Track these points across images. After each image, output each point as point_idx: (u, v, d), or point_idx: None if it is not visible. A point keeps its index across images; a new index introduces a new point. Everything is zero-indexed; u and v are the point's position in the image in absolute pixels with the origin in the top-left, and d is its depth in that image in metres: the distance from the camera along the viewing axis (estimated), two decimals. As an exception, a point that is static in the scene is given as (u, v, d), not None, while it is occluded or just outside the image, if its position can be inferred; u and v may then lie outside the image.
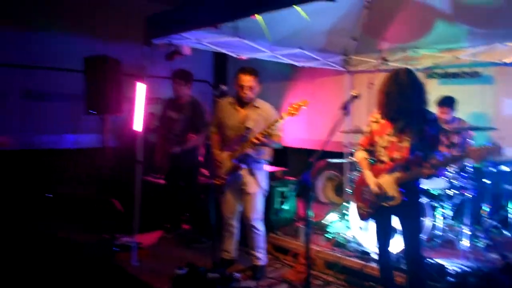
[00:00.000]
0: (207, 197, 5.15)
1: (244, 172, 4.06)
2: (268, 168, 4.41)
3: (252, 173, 4.08)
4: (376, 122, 3.29)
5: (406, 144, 3.08)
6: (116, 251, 4.46)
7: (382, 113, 3.23)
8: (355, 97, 2.97)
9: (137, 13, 4.74)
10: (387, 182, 3.13)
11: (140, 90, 4.42)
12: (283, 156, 7.40)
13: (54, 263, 4.18)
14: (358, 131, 5.01)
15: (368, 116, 3.41)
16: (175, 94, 5.14)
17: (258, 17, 3.83)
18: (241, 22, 3.96)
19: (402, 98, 3.04)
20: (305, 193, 2.99)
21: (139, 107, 4.38)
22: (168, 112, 5.18)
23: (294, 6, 3.45)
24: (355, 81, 6.45)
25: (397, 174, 3.09)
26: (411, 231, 3.16)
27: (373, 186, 3.18)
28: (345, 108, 2.89)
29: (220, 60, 8.43)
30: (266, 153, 4.17)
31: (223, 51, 5.05)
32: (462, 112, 5.36)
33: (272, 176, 5.02)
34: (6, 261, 4.29)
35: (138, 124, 4.38)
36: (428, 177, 3.03)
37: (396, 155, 3.12)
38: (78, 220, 5.08)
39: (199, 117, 5.07)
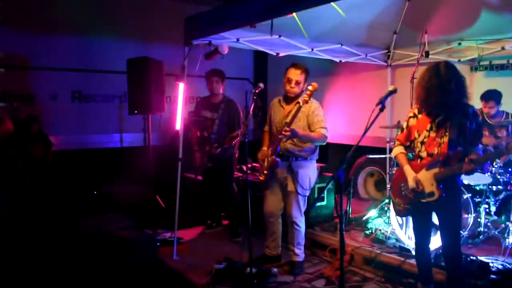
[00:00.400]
0: (244, 192, 5.24)
1: (286, 169, 4.07)
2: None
3: (293, 170, 4.06)
4: (414, 117, 3.24)
5: (445, 139, 3.02)
6: (158, 245, 4.62)
7: (421, 107, 3.18)
8: (392, 92, 2.93)
9: (177, 15, 4.85)
10: (426, 178, 3.07)
11: (181, 89, 4.54)
12: (324, 152, 7.38)
13: (100, 258, 4.38)
14: (399, 126, 4.93)
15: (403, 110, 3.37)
16: (210, 92, 5.21)
17: (294, 15, 3.86)
18: (279, 20, 3.96)
19: (441, 92, 2.97)
20: (340, 189, 2.97)
21: (180, 106, 4.50)
22: (202, 111, 5.24)
23: (332, 3, 3.45)
24: (397, 75, 6.34)
25: (435, 170, 3.03)
26: (450, 228, 3.10)
27: (411, 182, 3.14)
28: (381, 103, 2.86)
29: (261, 59, 8.51)
30: (310, 151, 4.11)
31: (262, 49, 5.08)
32: (509, 104, 5.15)
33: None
34: (54, 255, 4.54)
35: (178, 122, 4.50)
36: (468, 172, 2.94)
37: (435, 150, 3.06)
38: (124, 216, 5.28)
39: (234, 116, 5.13)
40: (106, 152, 6.80)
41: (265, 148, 4.19)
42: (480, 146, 4.31)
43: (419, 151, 3.18)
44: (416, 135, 3.19)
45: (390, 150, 5.45)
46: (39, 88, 6.44)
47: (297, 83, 3.99)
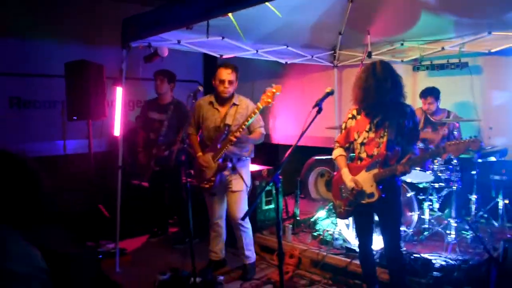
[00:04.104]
0: (195, 198, 5.11)
1: (228, 170, 4.01)
2: (254, 166, 4.35)
3: (236, 171, 4.03)
4: (352, 118, 3.23)
5: (384, 139, 3.02)
6: (100, 258, 4.41)
7: (359, 108, 3.17)
8: (329, 93, 2.89)
9: (119, 16, 4.68)
10: (365, 179, 3.06)
11: (119, 94, 4.36)
12: (274, 153, 7.36)
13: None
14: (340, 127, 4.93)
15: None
16: (158, 94, 5.07)
17: (230, 16, 3.77)
18: (222, 21, 3.91)
19: (379, 92, 2.96)
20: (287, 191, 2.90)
21: (118, 111, 4.32)
22: (149, 113, 5.09)
23: (268, 4, 3.39)
24: (343, 76, 6.40)
25: (375, 171, 3.03)
26: (391, 228, 3.10)
27: (349, 184, 3.11)
28: (318, 105, 2.81)
29: (211, 61, 8.38)
30: (249, 150, 4.11)
31: (204, 51, 4.99)
32: (451, 103, 5.30)
33: (258, 175, 4.97)
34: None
35: (117, 128, 4.32)
36: (402, 174, 2.96)
37: (375, 151, 3.05)
38: (64, 227, 5.02)
39: (183, 118, 4.99)
40: (48, 160, 6.47)
41: (200, 153, 4.06)
42: (421, 144, 4.42)
43: (359, 152, 3.16)
44: (356, 136, 3.18)
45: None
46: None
47: (230, 82, 3.93)
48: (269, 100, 3.73)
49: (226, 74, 3.91)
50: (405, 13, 4.57)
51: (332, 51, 5.98)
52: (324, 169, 6.69)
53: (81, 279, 4.03)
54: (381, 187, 3.01)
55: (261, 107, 3.76)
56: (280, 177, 2.61)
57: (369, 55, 4.97)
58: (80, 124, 6.13)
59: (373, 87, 2.99)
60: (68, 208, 5.33)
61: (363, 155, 3.13)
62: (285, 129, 7.43)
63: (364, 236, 3.26)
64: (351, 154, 3.38)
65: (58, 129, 6.57)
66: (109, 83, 5.43)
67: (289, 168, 6.19)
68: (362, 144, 3.13)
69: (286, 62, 5.88)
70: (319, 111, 2.79)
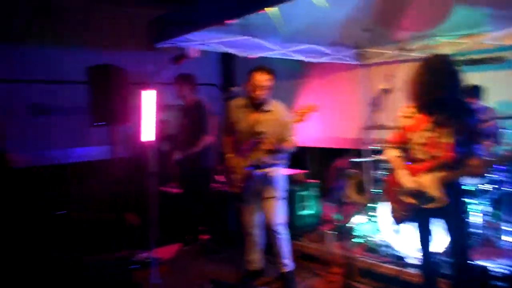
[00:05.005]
0: (226, 205, 4.94)
1: (259, 177, 3.85)
2: (287, 171, 4.18)
3: (268, 178, 3.88)
4: (408, 117, 2.99)
5: (447, 139, 2.78)
6: (135, 268, 4.20)
7: (417, 106, 2.94)
8: (387, 91, 2.69)
9: (138, 20, 4.58)
10: (428, 182, 2.83)
11: (147, 98, 4.19)
12: (302, 157, 7.14)
13: None
14: (382, 127, 4.69)
15: (388, 110, 3.12)
16: (181, 99, 5.06)
17: (269, 9, 3.59)
18: (251, 20, 3.72)
19: (440, 88, 2.75)
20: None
21: (148, 115, 4.15)
22: (179, 118, 5.11)
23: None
24: (371, 74, 6.18)
25: (441, 173, 2.79)
26: (459, 233, 2.87)
27: (410, 187, 2.89)
28: (376, 103, 2.60)
29: (227, 62, 8.21)
30: (283, 158, 3.95)
31: (231, 51, 4.84)
32: (490, 100, 5.06)
33: (292, 179, 4.77)
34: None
35: (147, 133, 4.15)
36: (478, 176, 2.73)
37: (437, 152, 2.82)
38: (92, 239, 4.84)
39: (201, 120, 4.91)
40: (72, 167, 6.35)
41: (231, 156, 3.94)
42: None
43: (417, 153, 2.93)
44: (413, 136, 2.95)
45: (372, 152, 5.27)
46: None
47: (267, 88, 3.77)
48: (302, 119, 3.55)
49: (263, 80, 3.75)
50: (436, 6, 4.36)
51: (359, 49, 5.78)
52: (352, 171, 6.48)
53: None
54: (446, 190, 2.79)
55: (294, 123, 3.59)
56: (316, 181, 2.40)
57: (403, 51, 4.79)
58: (103, 130, 6.00)
59: (433, 83, 2.78)
60: (94, 215, 5.20)
61: (423, 156, 2.90)
62: (311, 132, 7.21)
63: (427, 242, 3.03)
64: (404, 155, 3.15)
65: (80, 135, 6.44)
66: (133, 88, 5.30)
67: (318, 170, 6.02)
68: (420, 144, 2.90)
69: (316, 62, 5.69)
70: (376, 108, 2.58)
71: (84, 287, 3.86)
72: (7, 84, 6.05)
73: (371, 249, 4.22)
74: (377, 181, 4.90)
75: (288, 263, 3.98)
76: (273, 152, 3.77)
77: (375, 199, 4.58)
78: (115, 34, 6.62)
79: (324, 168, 6.00)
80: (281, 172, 4.01)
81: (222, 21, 3.70)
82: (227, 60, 8.06)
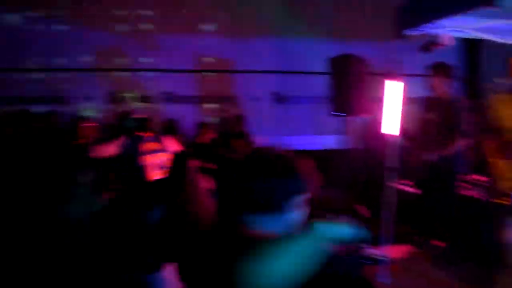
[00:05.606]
0: (483, 215, 4.42)
1: None
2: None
3: None
4: None
5: None
6: (368, 263, 4.13)
7: None
8: None
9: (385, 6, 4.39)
10: None
11: (391, 89, 4.01)
12: None
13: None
14: None
15: None
16: (434, 92, 4.64)
17: None
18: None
19: None
20: None
21: (392, 108, 3.97)
22: (426, 113, 4.69)
23: None
24: None
25: None
26: None
27: None
28: None
29: (471, 52, 7.33)
30: None
31: (494, 38, 4.21)
32: None
33: None
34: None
35: (391, 127, 3.98)
36: None
37: None
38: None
39: (455, 118, 4.42)
40: (305, 155, 6.68)
41: (496, 161, 3.48)
42: None
43: None
44: None
45: None
46: (241, 90, 6.69)
47: None
48: None
49: None
50: None
51: None
52: None
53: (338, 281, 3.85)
54: None
55: None
56: None
57: None
58: (338, 119, 6.12)
59: None
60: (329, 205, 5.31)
61: None
62: None
63: None
64: None
65: (316, 123, 6.71)
66: (374, 79, 5.19)
67: None
68: None
69: None
70: None
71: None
72: (251, 74, 6.69)
73: None
74: None
75: None
76: None
77: None
78: (349, 24, 6.61)
79: None
80: None
81: (491, 3, 3.23)
82: (471, 49, 7.21)
